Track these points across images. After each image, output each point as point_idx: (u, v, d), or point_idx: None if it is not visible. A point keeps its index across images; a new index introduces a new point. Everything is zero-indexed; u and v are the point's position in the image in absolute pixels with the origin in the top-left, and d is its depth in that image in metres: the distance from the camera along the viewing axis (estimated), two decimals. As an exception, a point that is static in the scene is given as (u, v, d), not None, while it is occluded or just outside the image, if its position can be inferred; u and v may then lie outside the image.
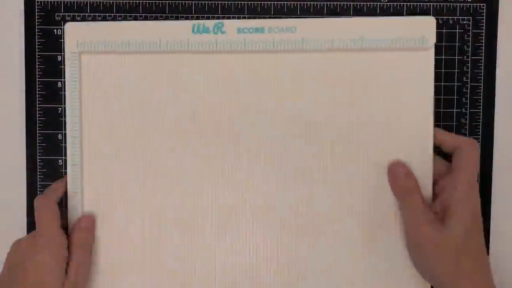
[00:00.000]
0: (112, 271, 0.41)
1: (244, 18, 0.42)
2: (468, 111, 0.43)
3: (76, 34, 0.40)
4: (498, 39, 0.42)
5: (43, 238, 0.38)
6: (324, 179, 0.40)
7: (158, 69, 0.40)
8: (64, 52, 0.41)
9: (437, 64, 0.42)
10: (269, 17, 0.42)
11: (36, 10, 0.42)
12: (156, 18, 0.42)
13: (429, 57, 0.39)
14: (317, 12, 0.42)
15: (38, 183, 0.43)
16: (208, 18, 0.42)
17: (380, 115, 0.40)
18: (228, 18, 0.42)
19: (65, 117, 0.41)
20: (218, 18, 0.42)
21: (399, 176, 0.39)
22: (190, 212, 0.41)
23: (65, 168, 0.42)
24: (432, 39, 0.39)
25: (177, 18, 0.42)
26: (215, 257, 0.41)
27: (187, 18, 0.42)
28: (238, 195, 0.41)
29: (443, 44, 0.42)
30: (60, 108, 0.42)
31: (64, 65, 0.42)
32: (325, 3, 0.42)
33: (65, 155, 0.41)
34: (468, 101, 0.43)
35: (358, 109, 0.40)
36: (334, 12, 0.42)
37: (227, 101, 0.40)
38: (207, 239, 0.41)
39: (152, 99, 0.41)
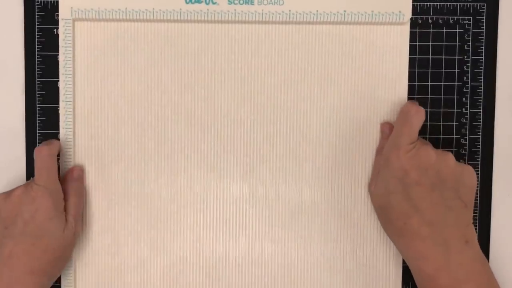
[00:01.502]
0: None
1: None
2: (468, 111, 0.43)
3: (70, 1, 0.41)
4: (498, 39, 0.43)
5: (41, 186, 0.38)
6: (306, 143, 0.42)
7: (151, 38, 0.42)
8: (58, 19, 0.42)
9: (437, 64, 0.42)
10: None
11: (36, 10, 0.42)
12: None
13: (405, 31, 0.42)
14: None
15: (38, 183, 0.43)
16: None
17: (359, 84, 0.42)
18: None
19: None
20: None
21: (381, 135, 0.42)
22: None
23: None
24: (408, 14, 0.41)
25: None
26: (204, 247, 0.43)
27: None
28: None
29: (443, 44, 0.42)
30: (59, 108, 0.42)
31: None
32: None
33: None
34: (468, 101, 0.43)
35: (339, 78, 0.42)
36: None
37: (217, 69, 0.42)
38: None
39: (144, 67, 0.42)
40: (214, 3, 0.41)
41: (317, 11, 0.41)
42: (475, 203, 0.43)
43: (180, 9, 0.41)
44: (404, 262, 0.42)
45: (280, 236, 0.42)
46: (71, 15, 0.41)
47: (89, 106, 0.42)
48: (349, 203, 0.42)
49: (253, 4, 0.41)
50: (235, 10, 0.41)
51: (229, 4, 0.41)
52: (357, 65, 0.42)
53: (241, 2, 0.41)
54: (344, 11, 0.41)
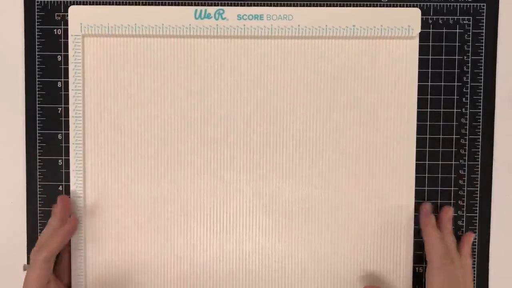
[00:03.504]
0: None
1: (244, 5, 0.43)
2: (468, 111, 0.43)
3: (80, 17, 0.41)
4: (498, 39, 0.43)
5: None
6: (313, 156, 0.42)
7: (160, 53, 0.42)
8: (68, 36, 0.42)
9: (437, 64, 0.42)
10: (268, 5, 0.43)
11: (36, 10, 0.42)
12: (158, 4, 0.42)
13: (415, 45, 0.42)
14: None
15: (38, 182, 0.43)
16: (209, 4, 0.42)
17: (368, 96, 0.42)
18: (229, 5, 0.42)
19: (65, 117, 0.42)
20: (219, 5, 0.42)
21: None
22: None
23: (65, 168, 0.42)
24: (417, 29, 0.41)
25: (178, 5, 0.42)
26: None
27: (189, 5, 0.42)
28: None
29: (443, 44, 0.42)
30: (60, 108, 0.42)
31: (62, 66, 0.42)
32: None
33: (65, 155, 0.42)
34: (468, 101, 0.43)
35: (348, 92, 0.42)
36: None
37: (226, 83, 0.42)
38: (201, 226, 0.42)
39: (153, 82, 0.42)
40: (223, 19, 0.41)
41: (326, 25, 0.41)
42: (475, 204, 0.43)
43: (190, 24, 0.41)
44: (414, 263, 0.42)
45: (286, 240, 0.42)
46: (81, 31, 0.41)
47: (98, 120, 0.42)
48: (355, 209, 0.42)
49: (262, 20, 0.41)
50: (244, 25, 0.41)
51: (238, 19, 0.41)
52: (366, 78, 0.42)
53: (251, 17, 0.41)
54: (353, 25, 0.41)
